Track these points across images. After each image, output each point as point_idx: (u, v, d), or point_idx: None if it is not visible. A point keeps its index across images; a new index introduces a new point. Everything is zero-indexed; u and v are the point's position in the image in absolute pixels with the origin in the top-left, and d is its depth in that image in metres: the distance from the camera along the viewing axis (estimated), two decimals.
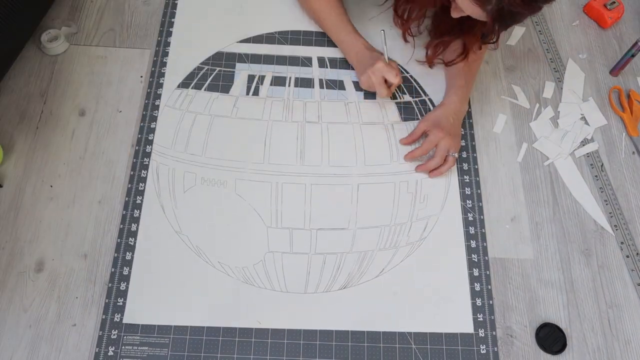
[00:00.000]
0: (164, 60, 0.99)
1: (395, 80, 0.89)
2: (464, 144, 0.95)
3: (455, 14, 0.81)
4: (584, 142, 0.97)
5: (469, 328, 0.80)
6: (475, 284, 0.83)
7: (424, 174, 0.90)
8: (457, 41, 0.94)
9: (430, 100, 0.98)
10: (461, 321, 0.81)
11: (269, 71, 0.99)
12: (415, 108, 0.97)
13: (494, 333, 0.80)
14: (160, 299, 0.79)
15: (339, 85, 0.98)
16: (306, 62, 1.00)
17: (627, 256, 0.87)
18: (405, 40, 1.00)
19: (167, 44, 1.00)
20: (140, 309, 0.79)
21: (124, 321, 0.78)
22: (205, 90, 0.96)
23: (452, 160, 0.89)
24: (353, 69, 0.99)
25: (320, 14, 0.98)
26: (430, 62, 0.99)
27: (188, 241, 0.83)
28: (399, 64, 0.98)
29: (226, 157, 0.89)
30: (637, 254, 0.87)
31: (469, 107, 0.98)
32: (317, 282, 0.82)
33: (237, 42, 1.02)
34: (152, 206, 0.86)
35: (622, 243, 0.88)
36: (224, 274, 0.81)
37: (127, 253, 0.82)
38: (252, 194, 0.87)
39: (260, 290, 0.81)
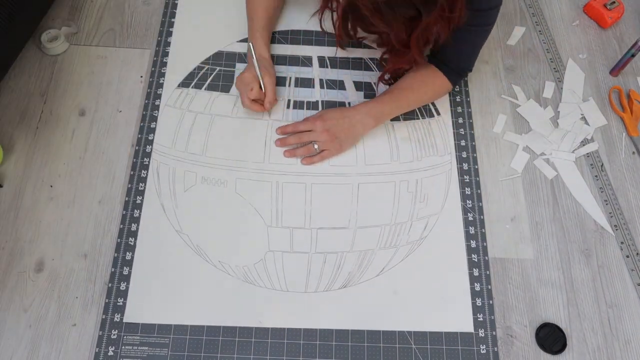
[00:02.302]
0: (164, 60, 0.99)
1: (251, 95, 0.87)
2: (464, 143, 0.95)
3: None
4: (584, 142, 0.97)
5: (469, 327, 0.80)
6: (475, 284, 0.83)
7: (424, 174, 0.90)
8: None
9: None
10: (461, 320, 0.81)
11: None
12: (416, 107, 0.97)
13: (494, 333, 0.80)
14: (161, 298, 0.80)
15: (339, 85, 0.98)
16: (306, 61, 1.00)
17: (627, 256, 0.87)
18: (340, 47, 0.97)
19: (167, 44, 1.00)
20: (141, 308, 0.79)
21: (125, 320, 0.78)
22: (205, 89, 0.96)
23: (308, 148, 0.88)
24: (353, 68, 1.00)
25: (253, 11, 0.96)
26: (389, 75, 0.94)
27: (188, 240, 0.83)
28: None
29: (226, 157, 0.89)
30: (637, 254, 0.87)
31: (469, 107, 0.98)
32: (317, 281, 0.82)
33: (238, 41, 1.02)
34: (152, 205, 0.86)
35: (622, 243, 0.88)
36: (225, 273, 0.81)
37: (127, 253, 0.82)
38: (253, 193, 0.87)
39: (260, 290, 0.81)
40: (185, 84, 0.96)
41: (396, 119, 0.95)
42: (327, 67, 1.00)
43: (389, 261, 0.84)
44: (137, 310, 0.78)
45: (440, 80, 0.92)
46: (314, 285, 0.81)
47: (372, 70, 1.00)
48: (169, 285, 0.80)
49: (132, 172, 0.88)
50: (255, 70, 0.88)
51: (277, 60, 1.00)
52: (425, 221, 0.87)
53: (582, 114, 1.00)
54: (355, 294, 0.81)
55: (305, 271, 0.82)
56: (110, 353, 0.76)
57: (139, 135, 0.91)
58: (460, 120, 0.97)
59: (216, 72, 0.97)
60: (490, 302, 0.82)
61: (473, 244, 0.86)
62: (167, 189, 0.87)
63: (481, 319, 0.81)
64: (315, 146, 0.88)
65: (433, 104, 0.98)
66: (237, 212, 0.86)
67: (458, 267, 0.84)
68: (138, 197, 0.86)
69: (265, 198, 0.87)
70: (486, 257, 0.86)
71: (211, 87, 0.96)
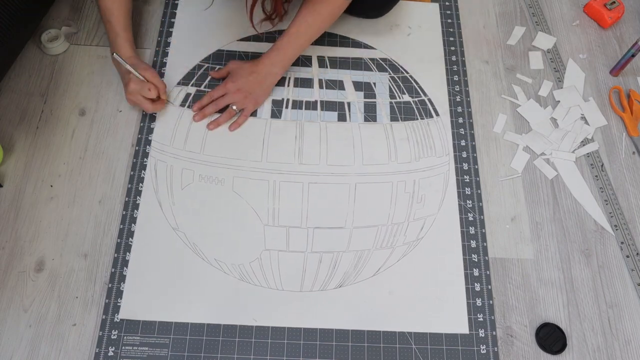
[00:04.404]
0: (164, 60, 0.99)
1: (152, 95, 0.86)
2: (464, 143, 0.95)
3: None
4: (584, 142, 0.97)
5: (464, 329, 0.80)
6: (476, 284, 0.83)
7: (422, 174, 0.90)
8: None
9: (430, 100, 0.98)
10: (456, 322, 0.81)
11: None
12: (415, 108, 0.97)
13: (494, 333, 0.80)
14: (156, 295, 0.80)
15: (338, 85, 0.98)
16: (306, 61, 1.00)
17: (627, 256, 0.87)
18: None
19: (167, 44, 1.01)
20: (137, 305, 0.79)
21: (120, 316, 0.78)
22: (205, 87, 0.96)
23: (229, 112, 0.91)
24: (353, 68, 1.00)
25: (111, 11, 0.89)
26: (270, 18, 0.92)
27: (185, 238, 0.83)
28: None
29: (224, 155, 0.89)
30: (637, 254, 0.87)
31: (469, 107, 0.98)
32: (312, 280, 0.82)
33: (238, 40, 1.02)
34: (149, 202, 0.86)
35: (622, 243, 0.88)
36: (220, 271, 0.82)
37: (127, 253, 0.82)
38: (250, 192, 0.87)
39: (256, 288, 0.81)
40: (184, 82, 0.97)
41: (395, 119, 0.95)
42: (326, 67, 1.00)
43: (385, 261, 0.84)
44: (132, 306, 0.79)
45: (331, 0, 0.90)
46: (309, 284, 0.81)
47: (372, 70, 1.00)
48: (165, 281, 0.80)
49: (132, 172, 0.88)
50: (135, 75, 0.86)
51: None
52: (422, 222, 0.87)
53: (582, 114, 1.00)
54: (350, 294, 0.81)
55: (300, 270, 0.82)
56: (111, 353, 0.76)
57: (139, 136, 0.91)
58: (460, 120, 0.97)
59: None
60: (490, 302, 0.82)
61: (473, 244, 0.86)
62: (164, 186, 0.87)
63: (481, 319, 0.81)
64: (234, 107, 0.91)
65: (432, 104, 0.98)
66: (233, 210, 0.86)
67: (454, 268, 0.84)
68: (138, 197, 0.86)
69: (262, 197, 0.87)
70: (486, 257, 0.85)
71: (211, 86, 0.96)
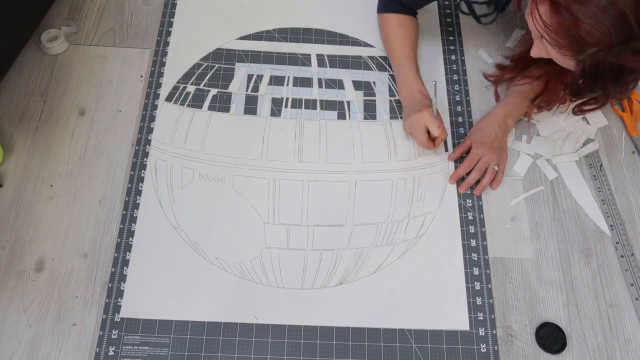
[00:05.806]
0: (164, 60, 0.99)
1: (436, 132, 0.87)
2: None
3: (535, 53, 0.79)
4: (585, 142, 0.97)
5: (464, 325, 0.80)
6: (476, 283, 0.83)
7: (421, 172, 0.90)
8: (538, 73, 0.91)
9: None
10: (457, 319, 0.81)
11: (268, 69, 0.99)
12: None
13: (494, 332, 0.80)
14: (156, 294, 0.80)
15: (338, 84, 0.98)
16: (305, 60, 1.00)
17: (622, 256, 0.87)
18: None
19: (167, 44, 1.01)
20: (137, 304, 0.79)
21: (120, 315, 0.78)
22: (204, 86, 0.96)
23: (491, 172, 0.89)
24: (352, 67, 1.00)
25: (392, 43, 0.96)
26: (496, 84, 0.98)
27: (185, 236, 0.83)
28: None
29: (224, 153, 0.90)
30: (632, 254, 0.87)
31: (469, 106, 0.98)
32: (313, 278, 0.82)
33: (237, 39, 1.02)
34: (149, 201, 0.86)
35: (617, 243, 0.88)
36: (221, 269, 0.82)
37: (127, 253, 0.82)
38: (250, 190, 0.87)
39: (256, 286, 0.81)
40: (184, 80, 0.97)
41: (394, 117, 0.95)
42: (326, 66, 1.00)
43: (385, 259, 0.84)
44: (133, 306, 0.79)
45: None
46: (309, 282, 0.82)
47: (371, 70, 1.00)
48: (165, 281, 0.80)
49: (132, 172, 0.88)
50: (433, 108, 0.89)
51: (277, 59, 1.00)
52: (422, 219, 0.87)
53: (583, 115, 1.00)
54: (351, 292, 0.81)
55: (301, 268, 0.82)
56: (111, 353, 0.76)
57: (139, 135, 0.91)
58: (460, 120, 0.97)
59: (215, 70, 0.98)
60: (491, 301, 0.82)
61: (473, 242, 0.86)
62: (164, 184, 0.87)
63: (481, 318, 0.81)
64: (495, 167, 0.90)
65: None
66: (234, 208, 0.86)
67: (454, 265, 0.84)
68: (138, 197, 0.86)
69: (262, 195, 0.87)
70: (486, 256, 0.86)
71: (210, 84, 0.96)
